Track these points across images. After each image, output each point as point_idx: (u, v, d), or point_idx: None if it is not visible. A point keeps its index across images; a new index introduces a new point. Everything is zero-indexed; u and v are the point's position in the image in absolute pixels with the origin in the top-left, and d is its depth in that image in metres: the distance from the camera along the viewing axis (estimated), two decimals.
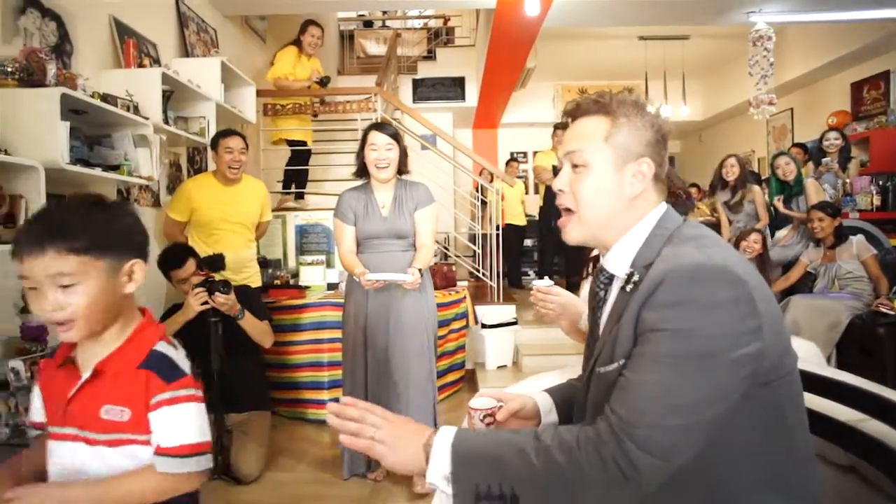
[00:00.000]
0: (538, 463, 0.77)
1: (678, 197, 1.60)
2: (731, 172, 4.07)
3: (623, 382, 0.79)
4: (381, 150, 2.28)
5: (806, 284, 3.75)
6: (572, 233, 0.95)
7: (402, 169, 2.38)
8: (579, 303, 1.44)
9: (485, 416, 1.04)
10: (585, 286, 1.71)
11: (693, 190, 6.12)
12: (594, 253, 1.72)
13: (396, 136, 2.32)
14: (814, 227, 3.55)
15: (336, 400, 0.92)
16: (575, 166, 0.93)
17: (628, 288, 0.87)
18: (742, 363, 0.76)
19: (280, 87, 4.16)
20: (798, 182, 4.06)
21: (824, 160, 4.47)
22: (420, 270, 2.23)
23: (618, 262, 0.92)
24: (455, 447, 0.81)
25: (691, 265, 0.79)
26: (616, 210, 0.91)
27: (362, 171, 2.37)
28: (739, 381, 0.77)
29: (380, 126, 2.34)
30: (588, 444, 0.76)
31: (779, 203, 4.09)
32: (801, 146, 5.19)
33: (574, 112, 0.96)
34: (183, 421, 1.03)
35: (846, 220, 3.94)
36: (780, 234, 4.21)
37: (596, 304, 0.99)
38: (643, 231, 0.90)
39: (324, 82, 4.20)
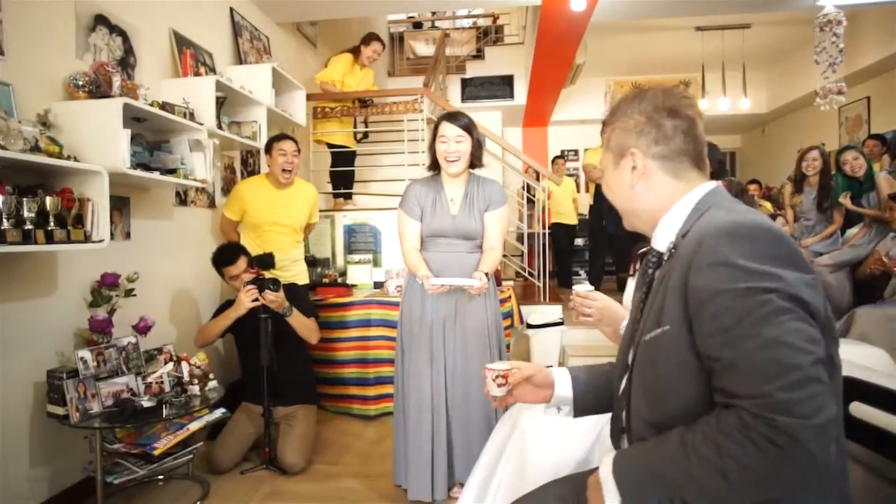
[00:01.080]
0: (697, 471, 0.77)
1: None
2: (812, 167, 3.81)
3: (725, 364, 0.77)
4: (451, 142, 2.13)
5: (878, 288, 3.47)
6: (624, 222, 1.07)
7: (474, 163, 2.22)
8: (620, 309, 1.42)
9: (497, 377, 1.12)
10: (631, 284, 1.66)
11: (753, 187, 5.82)
12: (642, 250, 1.68)
13: (469, 128, 2.15)
14: (889, 219, 3.31)
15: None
16: (603, 175, 1.07)
17: (667, 257, 0.93)
18: (807, 309, 0.76)
19: (325, 89, 4.30)
20: (869, 177, 3.77)
21: None
22: (486, 275, 2.11)
23: (663, 240, 0.97)
24: (616, 474, 0.87)
25: (728, 223, 0.82)
26: (630, 199, 1.01)
27: (434, 165, 2.24)
28: (816, 326, 0.76)
29: (451, 116, 2.18)
30: (736, 435, 0.74)
31: (846, 200, 3.82)
32: (879, 137, 4.81)
33: (601, 130, 1.08)
34: None
35: None
36: (851, 232, 3.93)
37: (644, 283, 1.01)
38: (686, 208, 0.94)
39: (365, 103, 4.35)
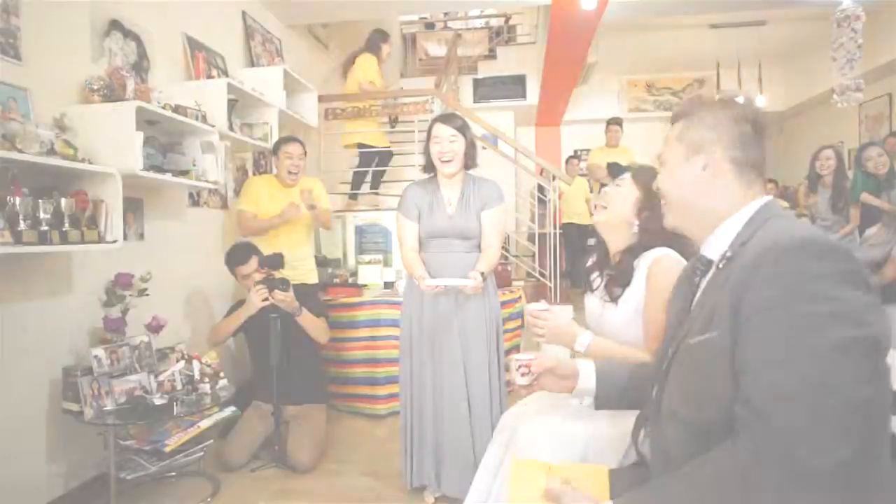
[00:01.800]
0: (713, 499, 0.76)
1: None
2: (826, 166, 3.75)
3: (763, 381, 0.75)
4: (445, 142, 2.13)
5: None
6: (666, 219, 1.05)
7: (468, 163, 2.22)
8: (572, 330, 1.43)
9: (520, 366, 1.15)
10: (587, 300, 1.63)
11: (770, 186, 5.73)
12: (589, 263, 1.66)
13: (462, 128, 2.16)
14: None
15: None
16: (662, 165, 1.02)
17: (721, 264, 0.91)
18: (868, 343, 0.72)
19: (364, 90, 4.36)
20: (890, 175, 3.69)
21: None
22: (483, 274, 2.11)
23: (717, 247, 0.95)
24: None
25: (798, 238, 0.78)
26: (692, 194, 0.97)
27: (430, 167, 2.23)
28: (875, 364, 0.72)
29: (444, 117, 2.20)
30: (755, 468, 0.72)
31: (870, 197, 3.73)
32: None
33: (672, 119, 1.05)
34: None
35: None
36: (870, 231, 3.85)
37: (689, 290, 1.01)
38: (743, 218, 0.94)
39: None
